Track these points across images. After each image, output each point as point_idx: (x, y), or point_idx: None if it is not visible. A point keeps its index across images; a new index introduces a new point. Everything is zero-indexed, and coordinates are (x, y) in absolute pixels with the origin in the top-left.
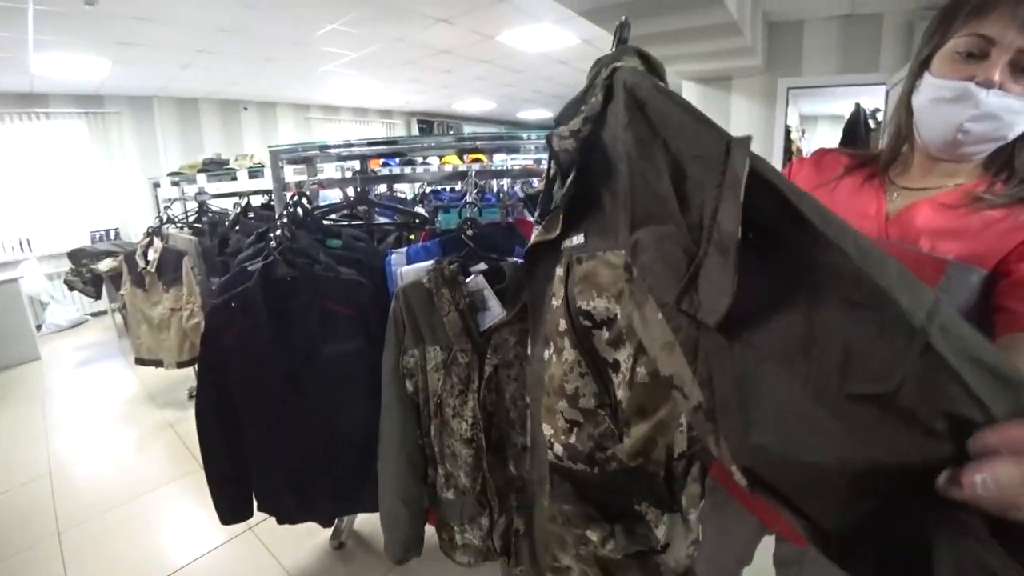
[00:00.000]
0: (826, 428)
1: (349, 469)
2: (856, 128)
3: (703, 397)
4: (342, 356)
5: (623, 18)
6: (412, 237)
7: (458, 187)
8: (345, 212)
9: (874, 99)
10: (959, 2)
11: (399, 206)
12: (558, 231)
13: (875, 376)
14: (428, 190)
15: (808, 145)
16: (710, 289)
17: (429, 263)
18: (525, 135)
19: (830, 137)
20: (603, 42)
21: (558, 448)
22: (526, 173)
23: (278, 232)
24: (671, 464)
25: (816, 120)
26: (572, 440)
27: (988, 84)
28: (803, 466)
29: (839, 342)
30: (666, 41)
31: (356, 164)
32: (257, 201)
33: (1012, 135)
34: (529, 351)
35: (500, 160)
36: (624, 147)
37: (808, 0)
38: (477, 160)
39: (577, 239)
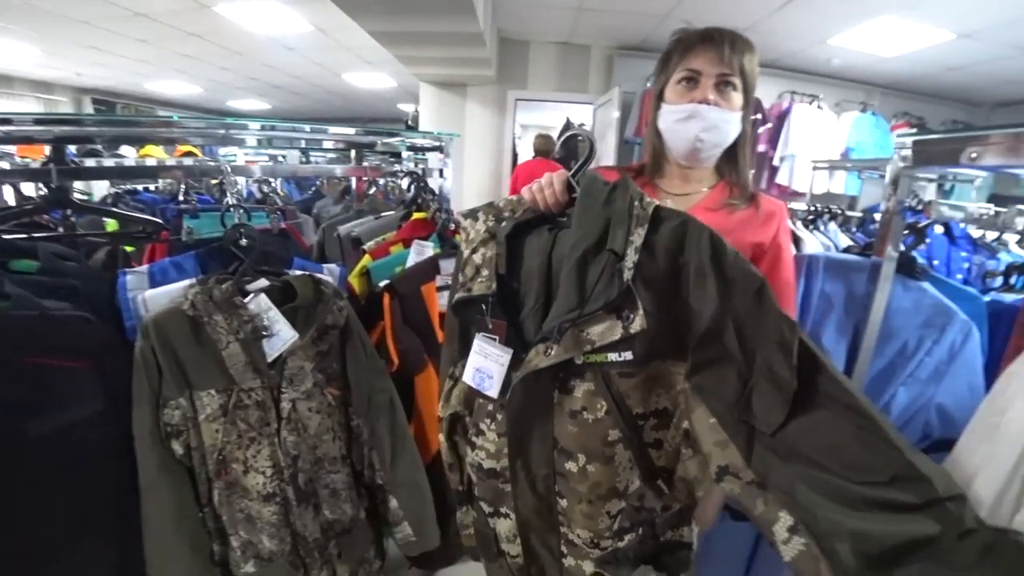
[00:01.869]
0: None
1: None
2: (566, 136)
3: (754, 475)
4: (67, 431)
5: (592, 141)
6: (130, 250)
7: (155, 187)
8: (23, 220)
9: (581, 115)
10: (672, 48)
11: (120, 210)
12: (590, 348)
13: (874, 470)
14: (121, 190)
15: (519, 148)
16: (764, 407)
17: (185, 283)
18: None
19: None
20: (340, 33)
21: (606, 543)
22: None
23: None
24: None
25: (527, 128)
26: (619, 524)
27: (705, 102)
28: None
29: (849, 442)
30: (412, 42)
31: (12, 149)
32: None
33: (729, 140)
34: (504, 467)
35: (224, 154)
36: (709, 298)
37: (534, 23)
38: (190, 154)
39: (621, 356)
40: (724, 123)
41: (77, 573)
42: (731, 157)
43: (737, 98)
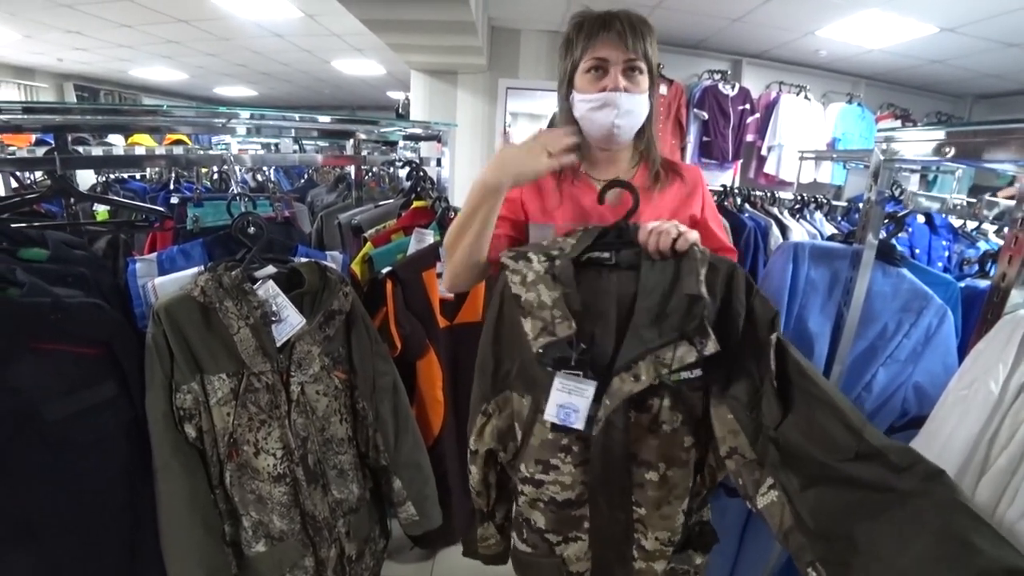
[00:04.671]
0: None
1: (114, 568)
2: (555, 126)
3: (755, 456)
4: (82, 414)
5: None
6: (125, 239)
7: (140, 175)
8: (22, 210)
9: None
10: (573, 34)
11: (123, 199)
12: (667, 371)
13: (843, 450)
14: (110, 178)
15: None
16: (768, 408)
17: (193, 271)
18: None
19: (529, 128)
20: (328, 19)
21: (676, 537)
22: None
23: None
24: None
25: (517, 116)
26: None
27: (617, 89)
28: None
29: (825, 430)
30: (403, 29)
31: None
32: None
33: (642, 121)
34: (580, 494)
35: (217, 142)
36: (740, 326)
37: (525, 12)
38: (179, 142)
39: (692, 373)
40: (636, 107)
41: (94, 553)
42: (642, 135)
43: (644, 81)
